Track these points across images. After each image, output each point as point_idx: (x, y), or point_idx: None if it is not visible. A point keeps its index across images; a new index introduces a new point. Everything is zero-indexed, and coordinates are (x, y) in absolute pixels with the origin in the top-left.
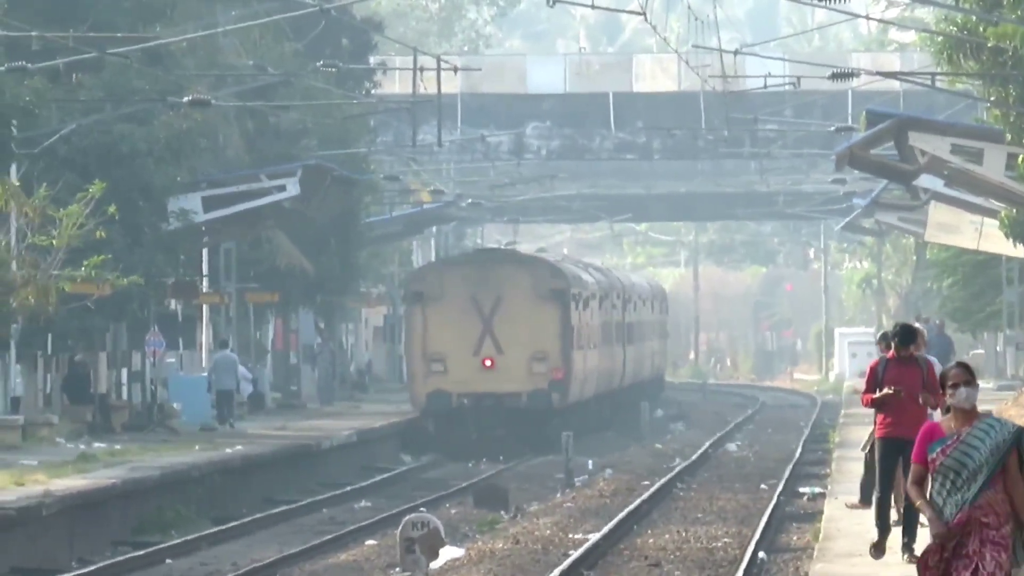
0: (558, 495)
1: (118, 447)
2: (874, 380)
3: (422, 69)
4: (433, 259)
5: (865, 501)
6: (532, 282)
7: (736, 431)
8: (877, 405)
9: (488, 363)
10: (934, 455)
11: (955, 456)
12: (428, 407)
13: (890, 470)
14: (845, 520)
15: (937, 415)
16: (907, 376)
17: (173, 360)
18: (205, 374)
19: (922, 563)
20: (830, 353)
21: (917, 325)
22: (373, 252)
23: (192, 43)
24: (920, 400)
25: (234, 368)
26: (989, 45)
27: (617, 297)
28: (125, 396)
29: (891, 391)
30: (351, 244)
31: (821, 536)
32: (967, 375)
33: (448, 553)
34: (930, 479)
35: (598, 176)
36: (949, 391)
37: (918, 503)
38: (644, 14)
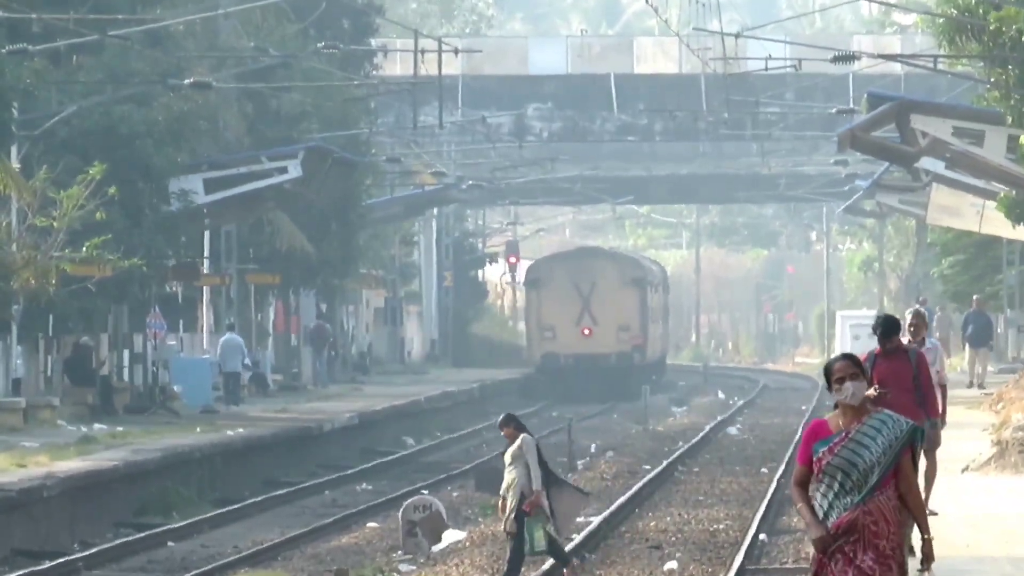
0: None
1: (119, 429)
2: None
3: (423, 51)
4: (435, 244)
5: None
6: (619, 272)
7: (737, 414)
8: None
9: (586, 332)
10: (819, 454)
11: (843, 455)
12: (542, 365)
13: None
14: None
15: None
16: (895, 370)
17: (174, 342)
18: (206, 356)
19: None
20: (832, 336)
21: (918, 308)
22: (374, 234)
23: (192, 25)
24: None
25: (240, 350)
26: (991, 27)
27: (670, 283)
28: (126, 378)
29: (876, 392)
30: (352, 226)
31: None
32: (853, 368)
33: (450, 536)
34: (815, 481)
35: (599, 158)
36: (834, 386)
37: (798, 505)
38: None
